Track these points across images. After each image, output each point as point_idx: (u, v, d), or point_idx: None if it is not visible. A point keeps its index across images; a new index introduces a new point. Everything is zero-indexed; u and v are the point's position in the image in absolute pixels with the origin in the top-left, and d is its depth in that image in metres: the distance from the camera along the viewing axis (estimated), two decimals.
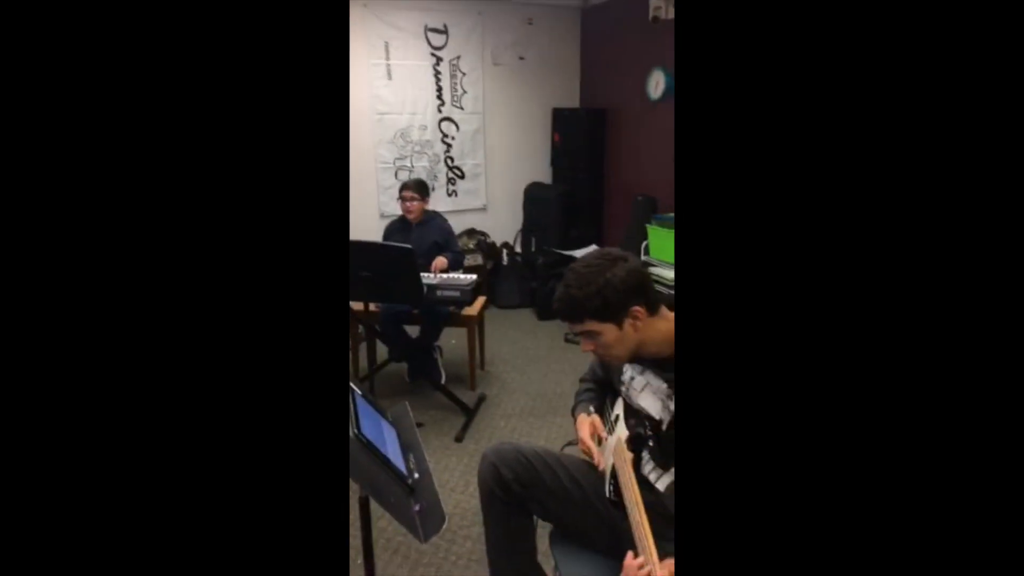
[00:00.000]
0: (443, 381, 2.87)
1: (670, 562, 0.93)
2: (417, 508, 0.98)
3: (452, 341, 3.33)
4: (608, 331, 1.10)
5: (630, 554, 0.95)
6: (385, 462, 0.99)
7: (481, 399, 2.81)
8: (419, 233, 2.89)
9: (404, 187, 2.87)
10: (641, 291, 1.10)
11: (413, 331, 2.89)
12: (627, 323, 1.10)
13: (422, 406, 2.76)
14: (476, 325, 2.93)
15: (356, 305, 2.51)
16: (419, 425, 2.57)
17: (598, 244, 3.93)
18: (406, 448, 1.14)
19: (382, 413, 1.19)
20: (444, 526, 0.95)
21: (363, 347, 2.99)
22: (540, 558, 1.38)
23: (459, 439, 2.47)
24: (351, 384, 1.11)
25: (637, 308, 1.09)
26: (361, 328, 2.80)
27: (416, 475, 1.06)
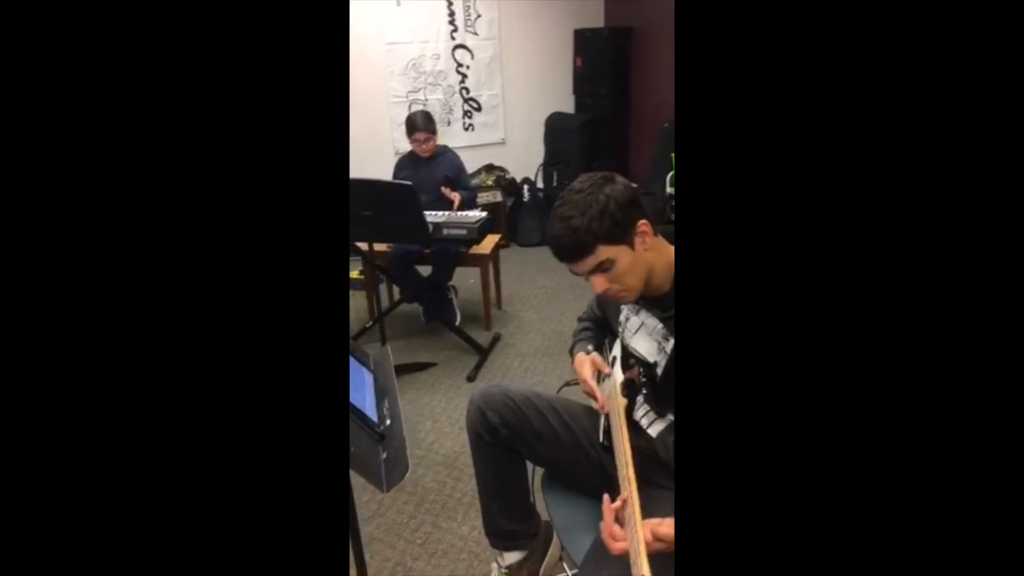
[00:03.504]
0: (458, 322, 2.84)
1: (655, 522, 0.86)
2: (385, 456, 0.94)
3: (471, 280, 3.28)
4: (622, 255, 1.00)
5: (607, 498, 0.89)
6: (355, 412, 0.95)
7: (496, 339, 2.77)
8: (429, 169, 2.79)
9: (413, 127, 2.73)
10: (639, 205, 1.02)
11: (426, 271, 2.84)
12: (637, 241, 1.01)
13: (436, 346, 2.75)
14: (490, 264, 2.86)
15: (362, 246, 2.46)
16: (432, 365, 2.57)
17: (623, 176, 3.74)
18: (381, 394, 1.10)
19: (361, 359, 1.14)
20: (407, 475, 0.91)
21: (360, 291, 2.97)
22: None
23: (471, 379, 2.46)
24: None
25: (643, 222, 1.00)
26: (359, 272, 2.77)
27: (388, 422, 1.02)
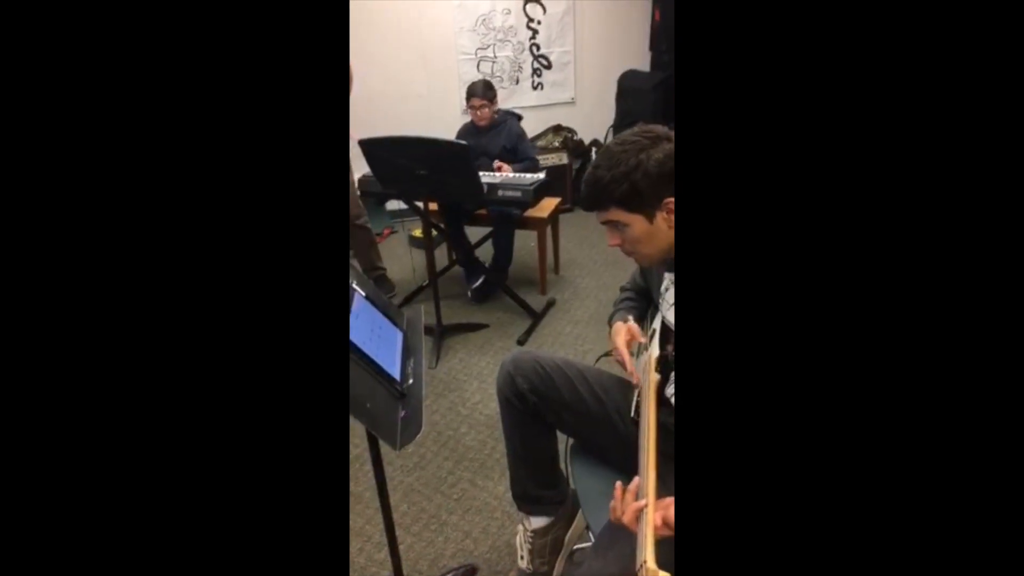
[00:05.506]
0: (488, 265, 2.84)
1: (667, 502, 0.83)
2: (403, 414, 0.95)
3: (531, 243, 3.24)
4: (636, 224, 0.97)
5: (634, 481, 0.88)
6: (374, 368, 0.96)
7: (550, 304, 2.74)
8: (489, 138, 2.75)
9: (471, 93, 2.68)
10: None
11: (479, 232, 2.84)
12: (660, 216, 0.96)
13: (490, 308, 2.76)
14: (548, 227, 2.81)
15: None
16: (484, 326, 2.59)
17: None
18: (408, 352, 1.11)
19: (388, 313, 1.15)
20: (420, 433, 0.92)
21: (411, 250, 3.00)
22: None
23: (521, 342, 2.46)
24: (354, 286, 1.08)
25: (673, 200, 0.93)
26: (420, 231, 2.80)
27: (411, 380, 1.03)
